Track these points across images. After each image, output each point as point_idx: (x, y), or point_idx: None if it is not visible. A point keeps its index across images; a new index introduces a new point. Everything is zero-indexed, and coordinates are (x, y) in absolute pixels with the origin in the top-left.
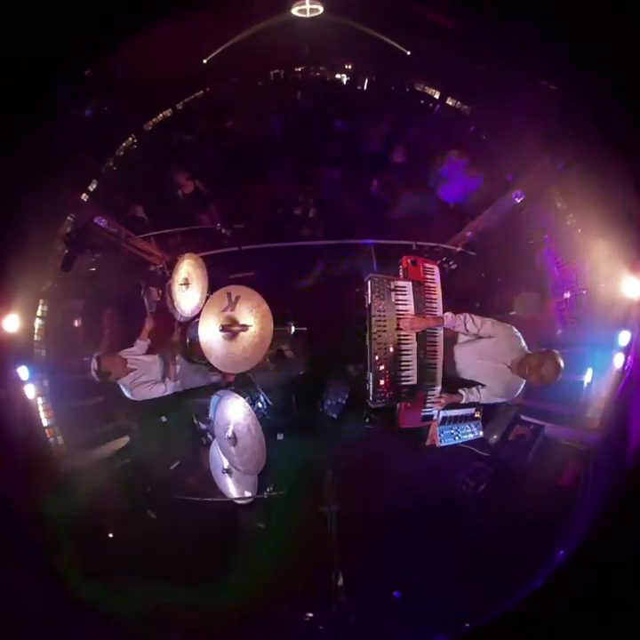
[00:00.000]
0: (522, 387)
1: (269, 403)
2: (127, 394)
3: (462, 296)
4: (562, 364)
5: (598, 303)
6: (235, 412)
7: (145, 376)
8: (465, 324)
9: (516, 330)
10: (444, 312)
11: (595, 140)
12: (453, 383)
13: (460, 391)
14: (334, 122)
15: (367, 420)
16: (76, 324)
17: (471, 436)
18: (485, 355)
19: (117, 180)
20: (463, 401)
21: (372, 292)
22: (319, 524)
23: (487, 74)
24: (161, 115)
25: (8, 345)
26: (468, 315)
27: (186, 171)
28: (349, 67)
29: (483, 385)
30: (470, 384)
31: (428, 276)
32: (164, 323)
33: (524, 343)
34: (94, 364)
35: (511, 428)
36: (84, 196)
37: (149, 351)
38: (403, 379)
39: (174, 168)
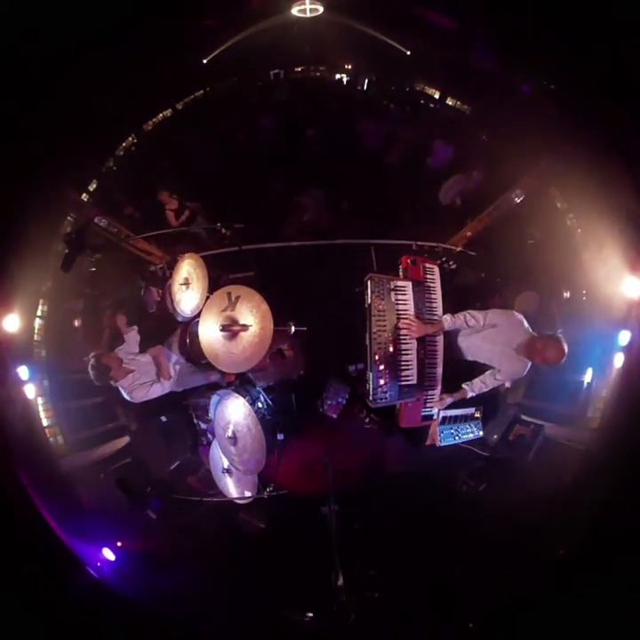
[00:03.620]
0: (528, 367)
1: (269, 403)
2: (126, 396)
3: (462, 296)
4: (565, 347)
5: (598, 303)
6: (235, 411)
7: (143, 377)
8: (466, 323)
9: (517, 314)
10: (443, 312)
11: (595, 140)
12: (458, 377)
13: (463, 386)
14: (334, 121)
15: (367, 420)
16: (76, 323)
17: (471, 435)
18: (492, 340)
19: (117, 180)
20: (469, 395)
21: (371, 292)
22: (319, 524)
23: (487, 74)
24: (161, 115)
25: (8, 345)
26: (466, 313)
27: (164, 190)
28: (349, 67)
29: (488, 371)
30: (471, 377)
31: (428, 276)
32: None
33: (526, 325)
34: (92, 363)
35: (511, 428)
36: (84, 196)
37: (142, 342)
38: (403, 379)
39: (156, 189)
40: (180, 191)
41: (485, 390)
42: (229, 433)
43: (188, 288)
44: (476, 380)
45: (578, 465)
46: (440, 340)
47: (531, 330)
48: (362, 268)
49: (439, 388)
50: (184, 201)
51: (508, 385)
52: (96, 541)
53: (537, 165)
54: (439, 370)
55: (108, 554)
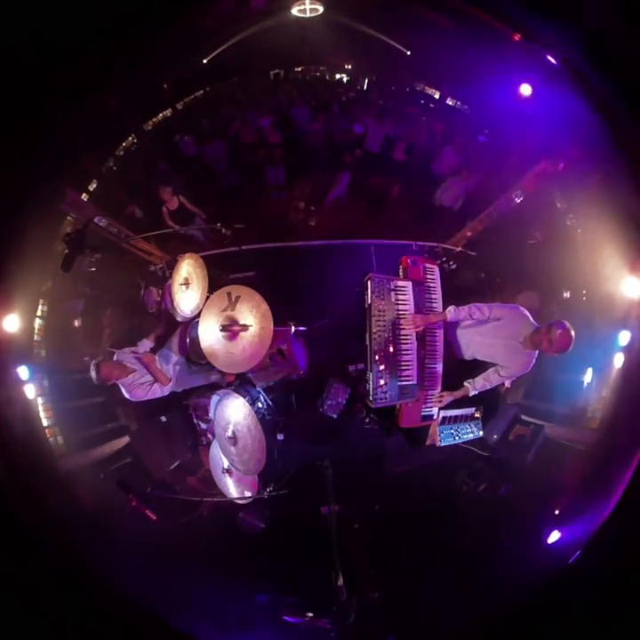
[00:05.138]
0: (533, 362)
1: (269, 403)
2: (126, 395)
3: (462, 296)
4: (571, 331)
5: (598, 303)
6: (235, 411)
7: (144, 377)
8: (470, 315)
9: (522, 308)
10: (445, 309)
11: (595, 140)
12: (460, 376)
13: (465, 383)
14: (334, 121)
15: (367, 420)
16: (76, 324)
17: (471, 435)
18: (495, 335)
19: (117, 180)
20: (471, 393)
21: (372, 292)
22: (319, 524)
23: (487, 74)
24: (161, 115)
25: (8, 345)
26: (472, 306)
27: (169, 186)
28: (349, 67)
29: (491, 369)
30: (474, 374)
31: (428, 276)
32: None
33: (532, 319)
34: (93, 372)
35: (511, 428)
36: (84, 196)
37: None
38: (403, 379)
39: (158, 185)
40: (179, 190)
41: (488, 388)
42: (229, 433)
43: (187, 288)
44: (479, 378)
45: (578, 465)
46: (440, 338)
47: (535, 323)
48: (362, 268)
49: (439, 387)
50: (185, 201)
51: (508, 384)
52: (96, 541)
53: (537, 165)
54: (439, 369)
55: (109, 553)
